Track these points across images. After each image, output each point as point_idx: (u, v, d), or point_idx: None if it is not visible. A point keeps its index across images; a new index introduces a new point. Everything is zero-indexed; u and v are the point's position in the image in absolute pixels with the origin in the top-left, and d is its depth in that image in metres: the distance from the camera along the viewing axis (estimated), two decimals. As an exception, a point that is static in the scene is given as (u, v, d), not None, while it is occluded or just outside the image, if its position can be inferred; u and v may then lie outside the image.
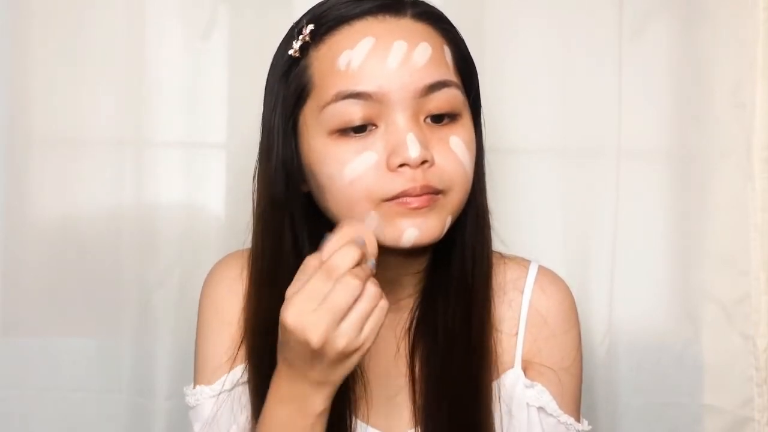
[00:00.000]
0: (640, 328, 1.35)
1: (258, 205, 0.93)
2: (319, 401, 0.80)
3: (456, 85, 0.87)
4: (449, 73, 0.86)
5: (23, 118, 1.34)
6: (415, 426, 0.95)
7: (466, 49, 0.91)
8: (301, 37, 0.87)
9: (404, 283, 0.94)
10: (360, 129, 0.84)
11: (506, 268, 0.99)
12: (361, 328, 0.76)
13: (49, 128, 1.34)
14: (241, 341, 0.96)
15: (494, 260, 0.96)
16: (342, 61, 0.84)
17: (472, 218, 0.92)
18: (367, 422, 0.96)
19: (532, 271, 0.99)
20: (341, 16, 0.86)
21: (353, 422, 0.95)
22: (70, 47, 1.32)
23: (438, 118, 0.85)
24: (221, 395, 0.95)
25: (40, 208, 1.34)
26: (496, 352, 0.95)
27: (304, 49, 0.87)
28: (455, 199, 0.86)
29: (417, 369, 0.95)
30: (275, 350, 0.82)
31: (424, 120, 0.85)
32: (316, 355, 0.76)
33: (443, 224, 0.85)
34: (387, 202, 0.83)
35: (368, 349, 0.78)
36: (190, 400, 0.98)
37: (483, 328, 0.94)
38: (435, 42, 0.86)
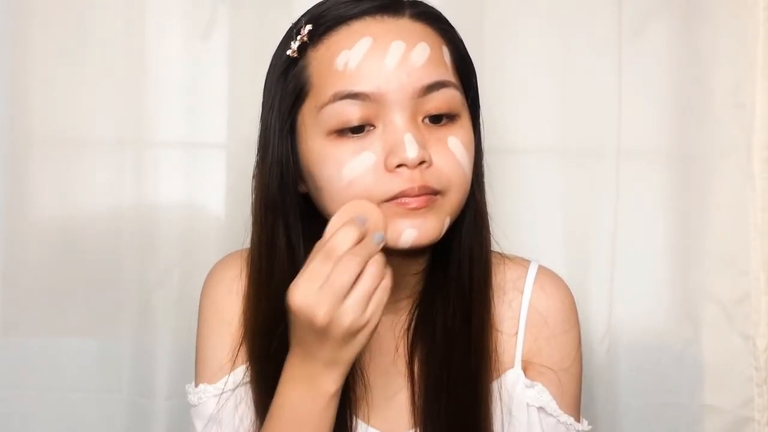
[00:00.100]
0: (640, 328, 1.35)
1: (254, 204, 0.93)
2: (330, 381, 0.82)
3: (454, 86, 0.86)
4: (448, 74, 0.86)
5: (23, 118, 1.34)
6: (415, 426, 0.95)
7: (465, 49, 0.91)
8: (299, 37, 0.87)
9: (403, 284, 0.94)
10: (358, 129, 0.84)
11: (506, 267, 0.98)
12: (365, 306, 0.77)
13: (49, 128, 1.34)
14: (242, 341, 0.96)
15: (494, 260, 0.96)
16: (340, 61, 0.84)
17: (471, 219, 0.92)
18: (368, 422, 0.96)
19: (532, 270, 0.99)
20: (339, 16, 0.86)
21: (354, 422, 0.95)
22: (70, 47, 1.32)
23: (436, 119, 0.85)
24: (224, 394, 0.95)
25: (40, 208, 1.34)
26: (496, 352, 0.95)
27: (303, 49, 0.87)
28: (454, 199, 0.86)
29: (416, 369, 0.95)
30: (276, 350, 0.83)
31: (423, 120, 0.85)
32: (323, 333, 0.78)
33: (442, 225, 0.85)
34: (385, 203, 0.83)
35: (374, 328, 0.79)
36: (192, 398, 0.98)
37: (483, 328, 0.94)
38: (433, 42, 0.86)
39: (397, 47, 0.83)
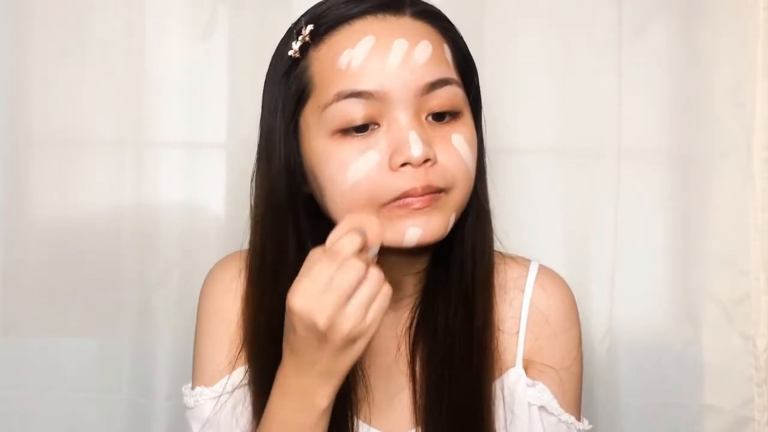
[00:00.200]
0: (640, 328, 1.36)
1: (257, 206, 0.92)
2: (323, 395, 0.80)
3: (457, 83, 0.86)
4: (450, 71, 0.86)
5: (23, 118, 1.34)
6: (416, 426, 0.95)
7: (466, 47, 0.91)
8: (300, 37, 0.87)
9: (405, 283, 0.94)
10: (362, 128, 0.83)
11: (507, 267, 0.98)
12: (366, 312, 0.76)
13: (49, 128, 1.34)
14: (242, 343, 0.96)
15: (495, 259, 0.96)
16: (343, 60, 0.84)
17: (473, 216, 0.92)
18: (369, 423, 0.96)
19: (533, 270, 0.99)
20: (341, 15, 0.85)
21: (355, 424, 0.95)
22: (70, 47, 1.32)
23: (439, 116, 0.85)
24: (222, 397, 0.95)
25: (40, 208, 1.34)
26: (497, 351, 0.95)
27: (304, 49, 0.87)
28: (458, 196, 0.86)
29: (418, 369, 0.95)
30: (278, 351, 0.82)
31: (426, 118, 0.85)
32: (322, 338, 0.76)
33: (447, 222, 0.85)
34: (388, 206, 0.83)
35: (373, 335, 0.78)
36: (189, 400, 0.97)
37: (484, 327, 0.93)
38: (435, 40, 0.86)
39: (400, 45, 0.83)
